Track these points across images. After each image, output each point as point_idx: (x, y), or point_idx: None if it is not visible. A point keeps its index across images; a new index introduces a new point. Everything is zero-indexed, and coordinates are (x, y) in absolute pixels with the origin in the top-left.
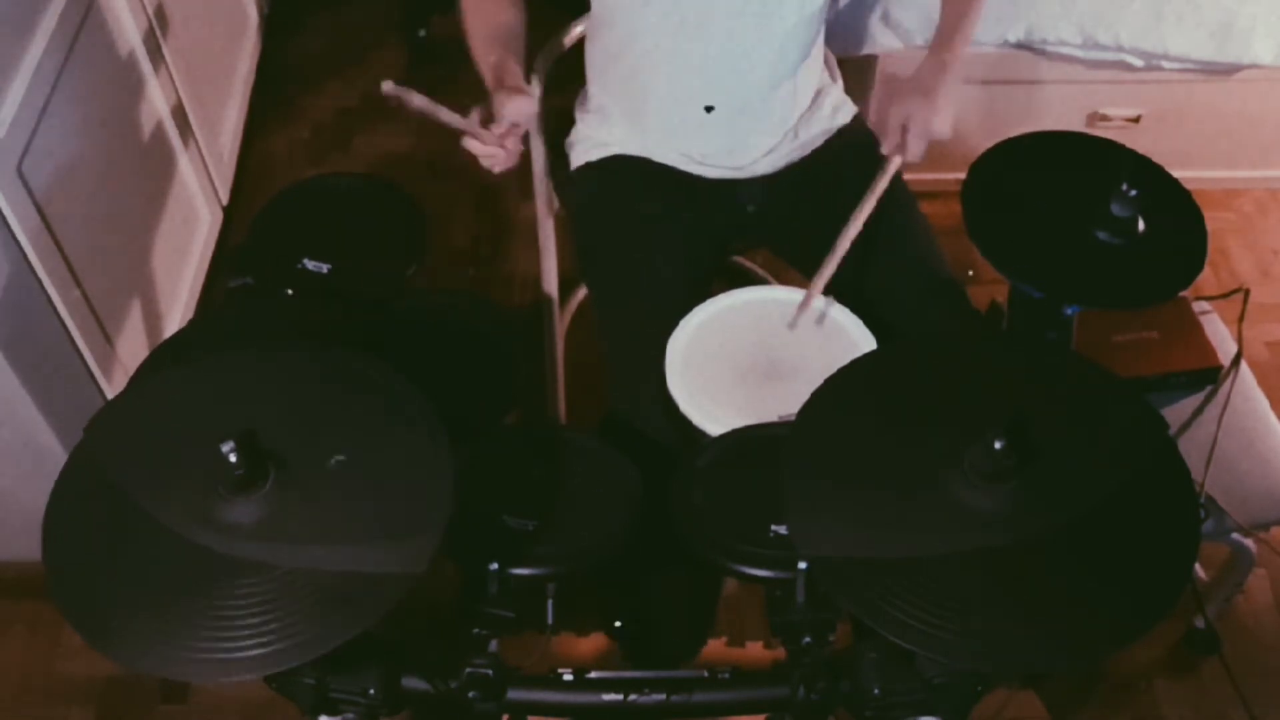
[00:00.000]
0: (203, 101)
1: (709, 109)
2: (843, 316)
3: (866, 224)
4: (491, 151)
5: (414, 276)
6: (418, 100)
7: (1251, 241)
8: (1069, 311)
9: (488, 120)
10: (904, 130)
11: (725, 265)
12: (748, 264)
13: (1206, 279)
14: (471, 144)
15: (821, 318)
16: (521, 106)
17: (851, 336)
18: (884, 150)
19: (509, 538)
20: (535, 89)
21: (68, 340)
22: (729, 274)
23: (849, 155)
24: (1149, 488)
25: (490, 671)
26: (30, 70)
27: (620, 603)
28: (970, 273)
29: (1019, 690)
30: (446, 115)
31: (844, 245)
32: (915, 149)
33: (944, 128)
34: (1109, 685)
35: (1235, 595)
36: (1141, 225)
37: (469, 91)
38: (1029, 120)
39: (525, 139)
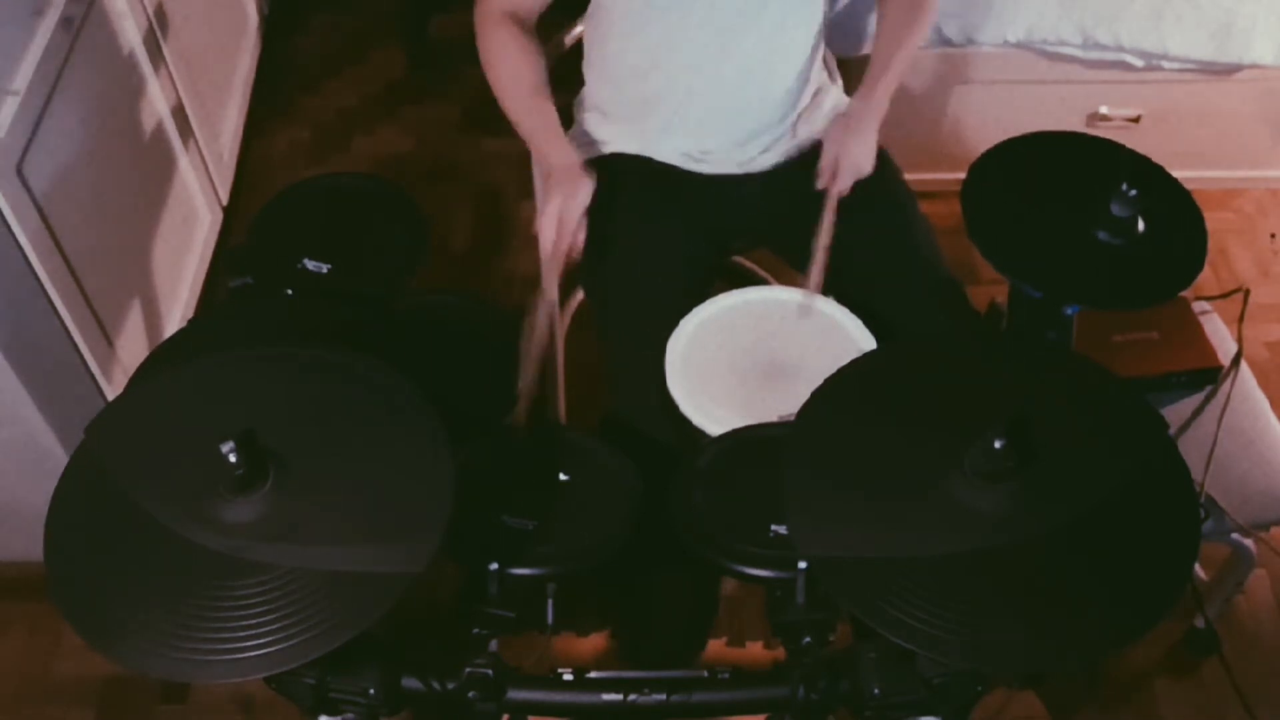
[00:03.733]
0: (203, 101)
1: (708, 108)
2: (843, 316)
3: (867, 224)
4: (568, 247)
5: (414, 276)
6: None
7: (1251, 241)
8: (1069, 311)
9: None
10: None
11: (725, 265)
12: (748, 264)
13: (1206, 279)
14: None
15: (816, 315)
16: (584, 196)
17: (851, 336)
18: (818, 185)
19: (509, 538)
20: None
21: (68, 340)
22: (729, 274)
23: None
24: (1149, 488)
25: (490, 671)
26: (30, 70)
27: (620, 603)
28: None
29: (1019, 690)
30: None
31: (816, 273)
32: (844, 182)
33: (867, 165)
34: (1109, 685)
35: (1235, 595)
36: (1141, 225)
37: (468, 92)
38: (1029, 120)
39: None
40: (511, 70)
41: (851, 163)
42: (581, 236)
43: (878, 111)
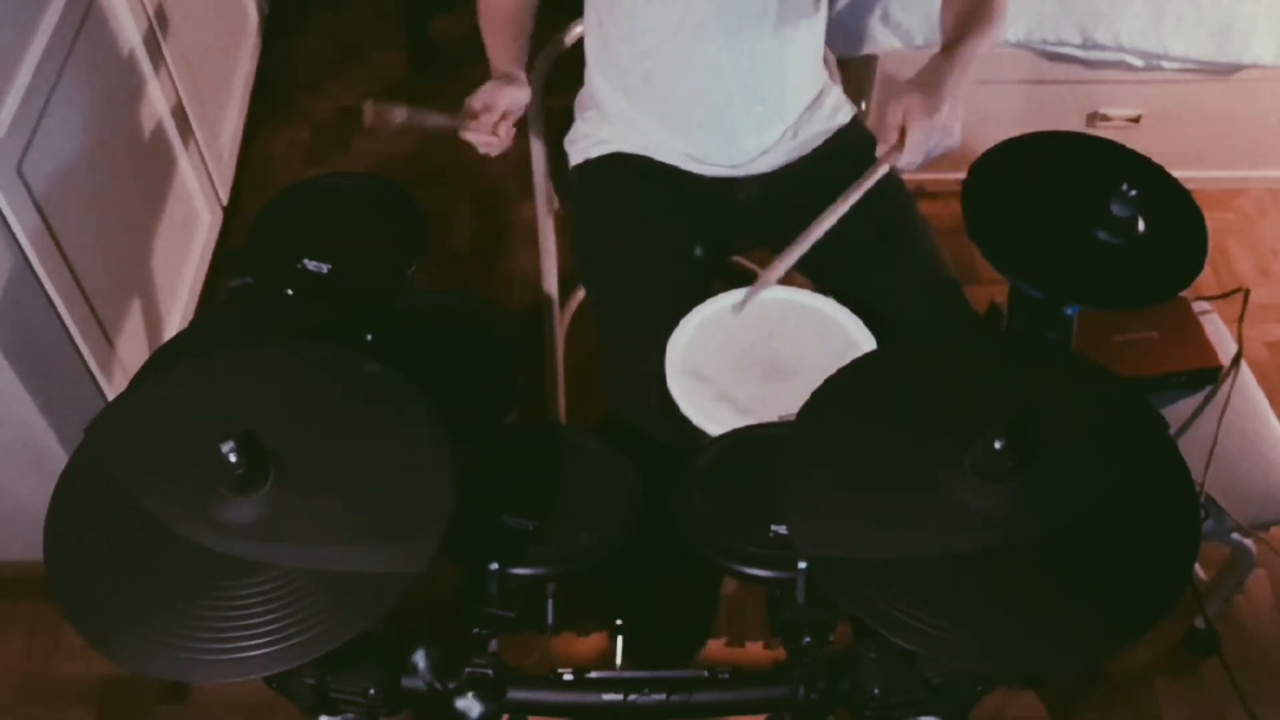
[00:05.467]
0: (203, 101)
1: (708, 108)
2: (843, 316)
3: (867, 224)
4: (486, 139)
5: (414, 276)
6: (399, 117)
7: (1251, 241)
8: (1069, 311)
9: (478, 112)
10: (902, 132)
11: (725, 265)
12: (748, 264)
13: (1206, 279)
14: (468, 133)
15: (827, 337)
16: (514, 95)
17: (851, 336)
18: (878, 153)
19: (509, 538)
20: (532, 81)
21: (68, 340)
22: (729, 274)
23: (848, 155)
24: (1149, 488)
25: (490, 671)
26: (30, 70)
27: (620, 603)
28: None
29: (1019, 690)
30: (433, 121)
31: (814, 233)
32: (913, 151)
33: (956, 129)
34: (1109, 685)
35: (1235, 595)
36: (1141, 225)
37: (468, 91)
38: (1029, 120)
39: (525, 139)
40: (489, 3)
41: (925, 122)
42: (503, 135)
43: (959, 76)
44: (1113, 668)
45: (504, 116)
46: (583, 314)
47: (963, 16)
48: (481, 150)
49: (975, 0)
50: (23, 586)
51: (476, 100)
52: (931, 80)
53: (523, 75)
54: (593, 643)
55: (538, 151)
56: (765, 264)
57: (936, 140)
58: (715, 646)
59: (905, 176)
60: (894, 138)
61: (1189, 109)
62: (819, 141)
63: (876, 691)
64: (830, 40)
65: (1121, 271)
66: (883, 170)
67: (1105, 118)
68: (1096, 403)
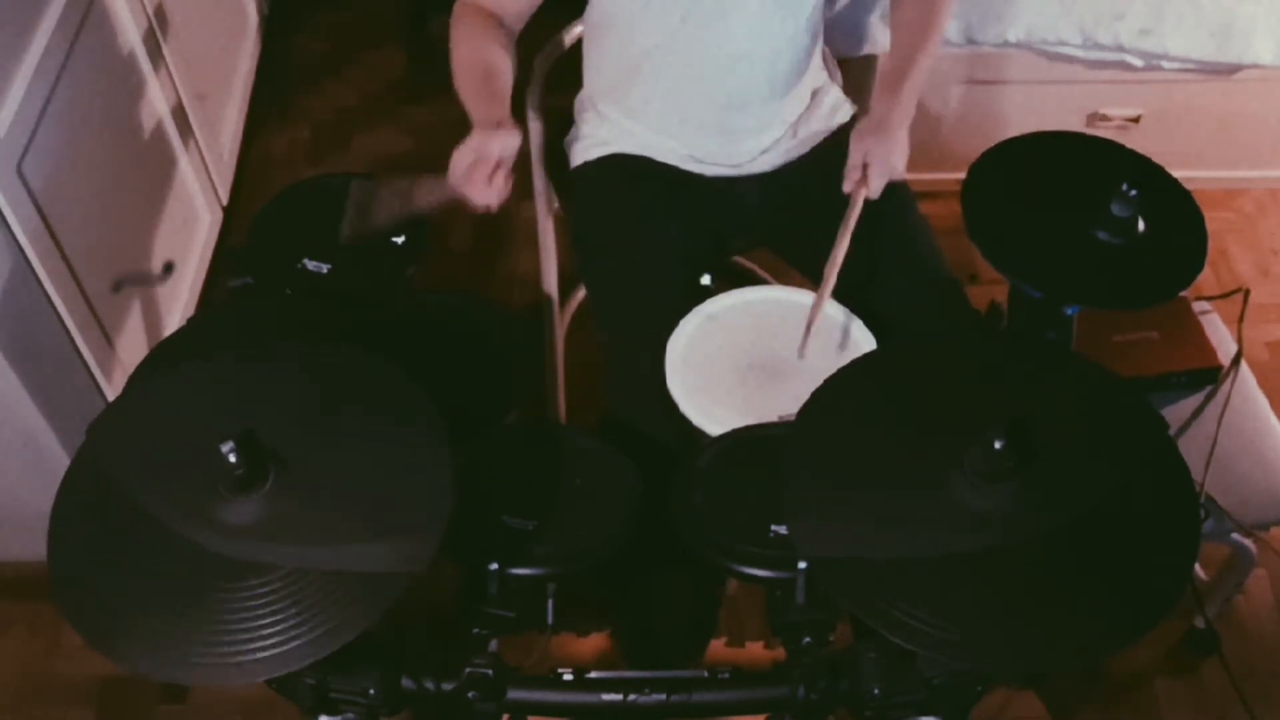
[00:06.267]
0: (203, 101)
1: (704, 107)
2: (843, 316)
3: (867, 224)
4: (483, 192)
5: (414, 276)
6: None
7: (1251, 241)
8: (1069, 311)
9: (468, 168)
10: (865, 167)
11: (725, 265)
12: (748, 264)
13: (1206, 279)
14: (462, 189)
15: (829, 338)
16: (505, 142)
17: (851, 336)
18: (845, 188)
19: (509, 538)
20: (533, 123)
21: (68, 340)
22: (729, 274)
23: (847, 154)
24: (1149, 488)
25: (490, 671)
26: (30, 70)
27: (620, 603)
28: (971, 275)
29: (1019, 690)
30: (424, 198)
31: (831, 278)
32: (875, 185)
33: (900, 165)
34: (1109, 685)
35: (1235, 595)
36: (1141, 225)
37: None
38: (1029, 120)
39: (525, 139)
40: (466, 53)
41: (883, 163)
42: (500, 185)
43: (905, 110)
44: (1113, 668)
45: (498, 166)
46: (583, 314)
47: (912, 26)
48: (480, 204)
49: (924, 8)
50: (23, 586)
51: (463, 156)
52: (885, 121)
53: (510, 119)
54: (593, 643)
55: (538, 152)
56: (765, 264)
57: (888, 174)
58: (715, 646)
59: (906, 176)
60: (858, 175)
61: (1189, 109)
62: (818, 140)
63: (876, 691)
64: (830, 40)
65: (1121, 271)
66: (858, 206)
67: (1105, 118)
68: (1096, 403)
